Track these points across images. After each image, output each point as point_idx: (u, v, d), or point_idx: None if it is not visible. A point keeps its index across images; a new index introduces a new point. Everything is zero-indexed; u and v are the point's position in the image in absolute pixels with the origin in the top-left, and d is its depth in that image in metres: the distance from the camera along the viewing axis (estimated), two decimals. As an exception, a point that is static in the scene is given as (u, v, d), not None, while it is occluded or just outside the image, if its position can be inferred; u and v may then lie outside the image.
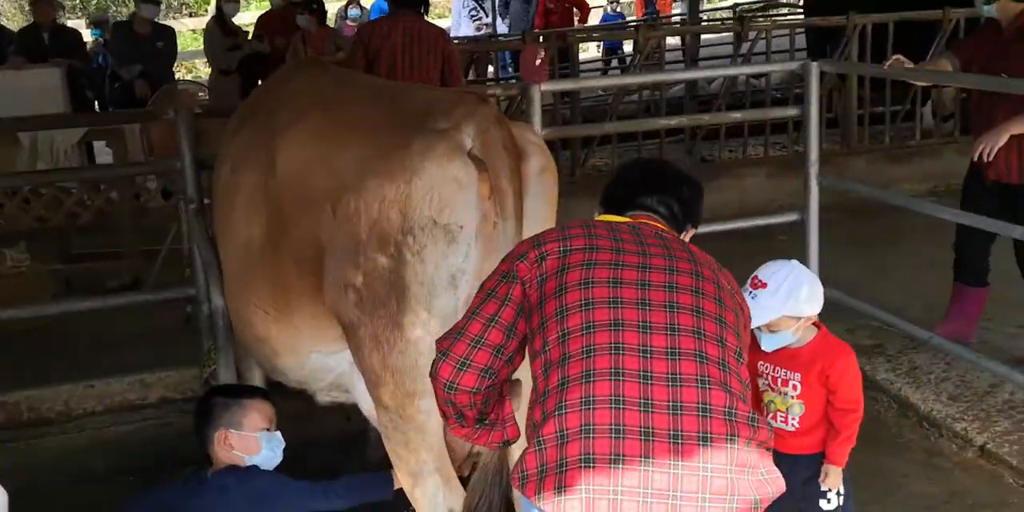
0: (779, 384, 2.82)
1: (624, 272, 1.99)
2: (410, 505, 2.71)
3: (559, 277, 2.00)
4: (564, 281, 1.99)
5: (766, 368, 2.82)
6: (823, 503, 2.90)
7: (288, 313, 2.84)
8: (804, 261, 4.41)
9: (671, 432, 1.85)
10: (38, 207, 6.22)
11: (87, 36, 10.73)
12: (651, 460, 1.83)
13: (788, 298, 2.62)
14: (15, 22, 15.65)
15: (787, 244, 4.55)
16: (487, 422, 2.16)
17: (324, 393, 3.10)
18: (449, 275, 2.46)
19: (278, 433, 2.85)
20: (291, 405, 3.14)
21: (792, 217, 4.54)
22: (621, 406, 1.86)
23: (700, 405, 1.87)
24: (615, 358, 1.90)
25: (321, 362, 2.90)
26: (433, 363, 2.08)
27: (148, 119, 6.10)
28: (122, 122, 6.61)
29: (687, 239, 2.26)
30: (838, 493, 2.81)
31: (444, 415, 2.17)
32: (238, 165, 3.08)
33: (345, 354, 2.81)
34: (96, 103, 8.95)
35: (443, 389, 2.05)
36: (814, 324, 2.80)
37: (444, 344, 2.07)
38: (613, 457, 1.84)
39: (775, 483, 1.90)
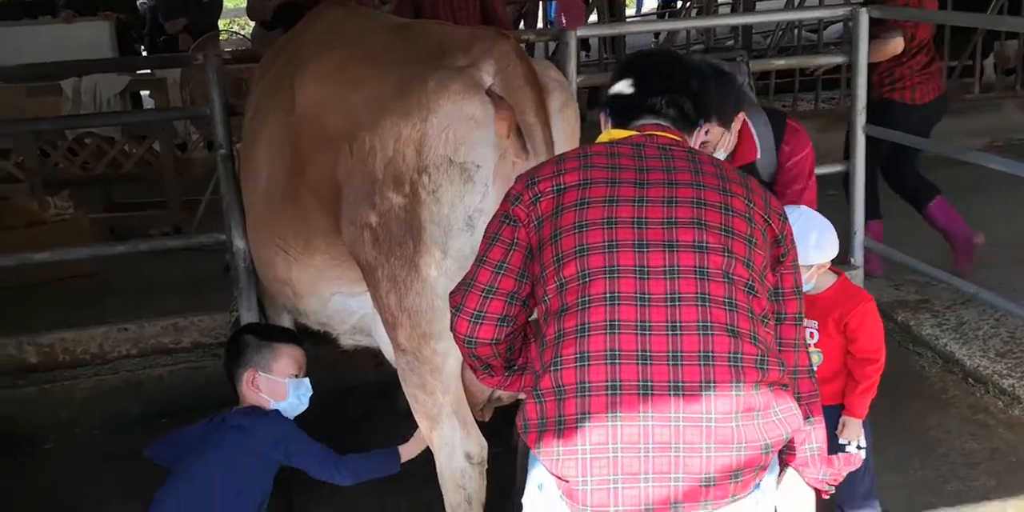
0: None
1: (619, 209, 1.87)
2: None
3: (554, 220, 1.91)
4: (559, 225, 1.90)
5: None
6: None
7: (309, 254, 2.81)
8: (850, 214, 4.32)
9: (671, 383, 1.77)
10: (82, 156, 6.28)
11: (135, -11, 10.74)
12: (650, 414, 1.76)
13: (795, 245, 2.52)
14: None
15: (838, 198, 4.40)
16: (516, 368, 2.10)
17: (347, 336, 3.08)
18: (466, 216, 2.40)
19: (306, 380, 2.84)
20: (324, 352, 3.13)
21: (838, 168, 4.38)
22: (618, 361, 1.78)
23: (701, 353, 1.78)
24: (611, 309, 1.81)
25: (343, 304, 2.88)
26: (451, 320, 2.03)
27: (178, 64, 6.09)
28: (154, 66, 6.61)
29: (707, 136, 2.13)
30: (858, 446, 2.72)
31: (471, 367, 2.13)
32: (262, 106, 3.07)
33: (367, 296, 2.77)
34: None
35: (463, 344, 2.01)
36: (834, 271, 2.69)
37: (456, 298, 2.00)
38: (610, 415, 1.76)
39: (789, 422, 1.82)
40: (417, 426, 2.73)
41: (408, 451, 2.79)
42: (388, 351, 2.83)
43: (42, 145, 6.21)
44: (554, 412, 1.81)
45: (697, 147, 2.09)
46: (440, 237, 2.41)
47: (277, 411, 2.81)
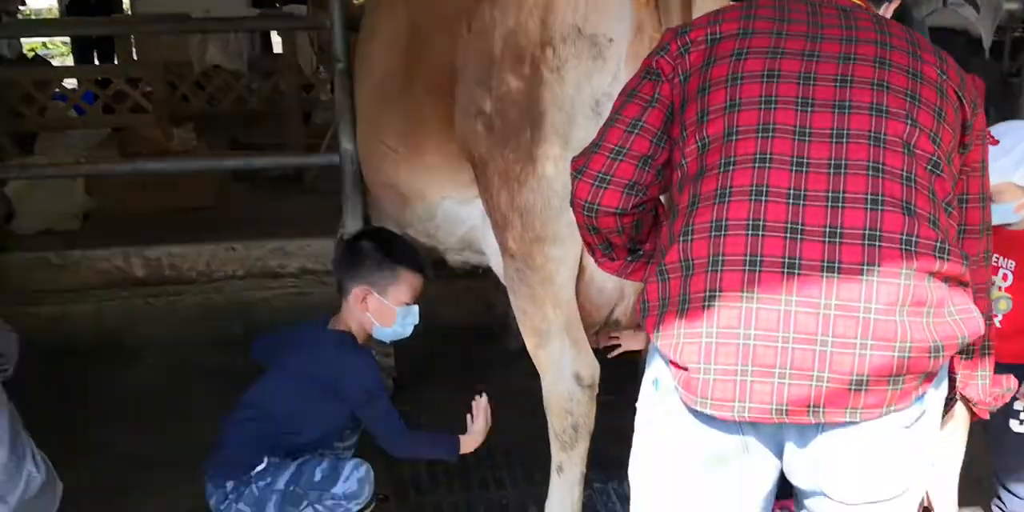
0: None
1: (783, 62, 1.55)
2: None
3: (703, 73, 1.60)
4: (708, 78, 1.59)
5: None
6: (1014, 423, 2.42)
7: (418, 152, 2.59)
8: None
9: (824, 263, 1.45)
10: (208, 90, 6.27)
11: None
12: (795, 298, 1.45)
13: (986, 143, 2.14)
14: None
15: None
16: (641, 253, 1.80)
17: (454, 252, 2.86)
18: (592, 99, 2.12)
19: (415, 309, 2.60)
20: (431, 288, 2.92)
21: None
22: (761, 232, 1.47)
23: (867, 231, 1.46)
24: (759, 172, 1.50)
25: (452, 211, 2.65)
26: (571, 185, 1.73)
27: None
28: None
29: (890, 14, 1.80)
30: None
31: (589, 247, 1.84)
32: (379, 2, 2.86)
33: (476, 205, 2.54)
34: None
35: (583, 212, 1.70)
36: None
37: (579, 161, 1.71)
38: (745, 294, 1.47)
39: (967, 325, 1.48)
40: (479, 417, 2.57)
41: (468, 444, 2.53)
42: (498, 264, 2.59)
43: (170, 77, 6.22)
44: (679, 289, 1.53)
45: None
46: (562, 124, 2.14)
47: (367, 351, 2.59)
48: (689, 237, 1.53)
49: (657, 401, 1.62)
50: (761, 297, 1.46)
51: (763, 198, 1.49)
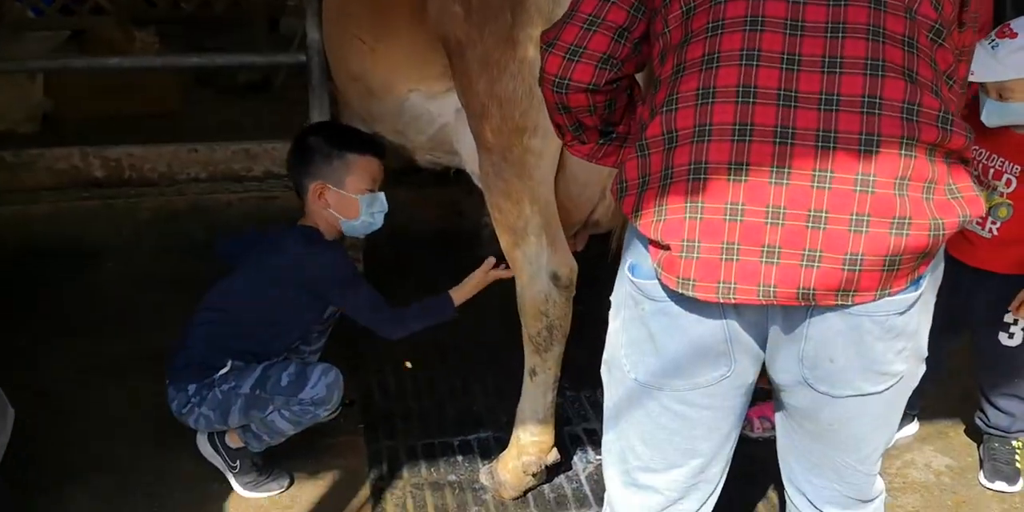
0: (988, 175, 2.25)
1: None
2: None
3: None
4: None
5: (977, 152, 2.24)
6: (1003, 337, 2.38)
7: (387, 40, 2.44)
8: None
9: (820, 132, 1.35)
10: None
11: None
12: (787, 169, 1.35)
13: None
14: None
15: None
16: (614, 136, 1.68)
17: (424, 151, 2.72)
18: (579, -23, 1.98)
19: (381, 196, 2.47)
20: (398, 194, 2.78)
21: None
22: (752, 100, 1.36)
23: (866, 98, 1.34)
24: (749, 36, 1.37)
25: (421, 106, 2.51)
26: (541, 58, 1.59)
27: None
28: None
29: None
30: None
31: (558, 129, 1.71)
32: None
33: (448, 101, 2.41)
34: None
35: (552, 88, 1.57)
36: None
37: (550, 34, 1.57)
38: (733, 165, 1.36)
39: (969, 204, 1.38)
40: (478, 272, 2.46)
41: (460, 294, 2.43)
42: (471, 167, 2.47)
43: (132, -23, 5.94)
44: (660, 164, 1.42)
45: None
46: (546, 3, 1.99)
47: (336, 243, 2.48)
48: (673, 106, 1.41)
49: (633, 289, 1.52)
50: (750, 169, 1.36)
51: (754, 63, 1.37)
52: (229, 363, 2.31)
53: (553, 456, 2.39)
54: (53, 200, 3.70)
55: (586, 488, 2.44)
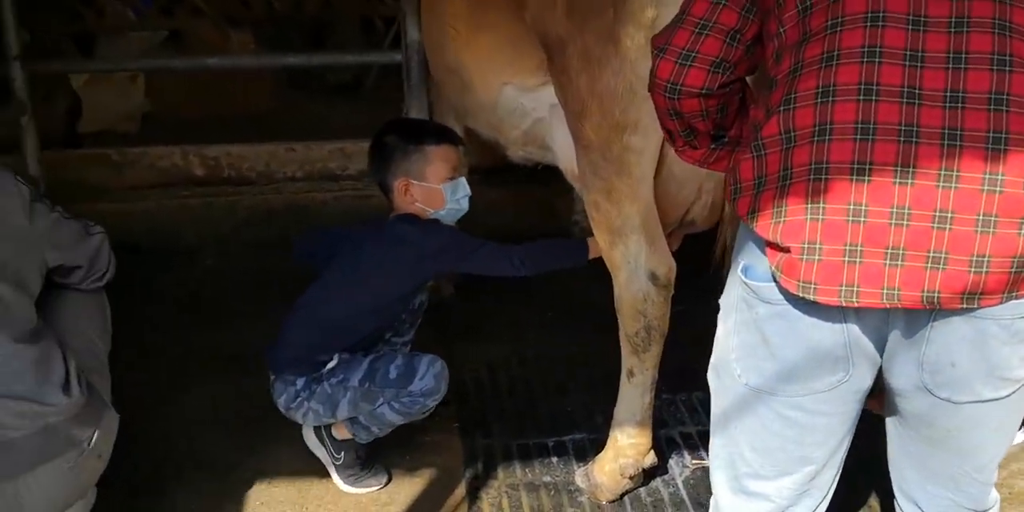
0: None
1: None
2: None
3: None
4: None
5: None
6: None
7: (483, 33, 2.44)
8: None
9: (945, 131, 1.30)
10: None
11: None
12: (912, 169, 1.30)
13: None
14: None
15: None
16: (726, 140, 1.65)
17: (517, 146, 2.72)
18: (685, -29, 1.93)
19: (462, 179, 2.49)
20: (492, 193, 2.76)
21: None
22: (874, 97, 1.32)
23: (993, 95, 1.29)
24: (870, 32, 1.33)
25: (515, 101, 2.50)
26: (652, 64, 1.56)
27: None
28: None
29: None
30: None
31: (669, 134, 1.68)
32: None
33: (543, 95, 2.40)
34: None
35: (664, 93, 1.54)
36: None
37: (660, 38, 1.54)
38: (856, 165, 1.32)
39: None
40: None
41: (595, 246, 2.37)
42: (565, 165, 2.45)
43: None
44: (778, 164, 1.39)
45: None
46: (649, 0, 1.96)
47: (436, 220, 2.49)
48: (791, 106, 1.38)
49: (746, 292, 1.48)
50: (873, 168, 1.31)
51: (876, 59, 1.33)
52: (336, 357, 2.33)
53: (651, 459, 2.36)
54: (155, 198, 3.79)
55: (683, 492, 2.39)
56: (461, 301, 3.38)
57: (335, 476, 2.41)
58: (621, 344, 2.29)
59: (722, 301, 1.59)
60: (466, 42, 2.50)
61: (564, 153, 2.42)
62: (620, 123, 2.09)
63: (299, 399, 2.32)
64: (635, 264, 2.20)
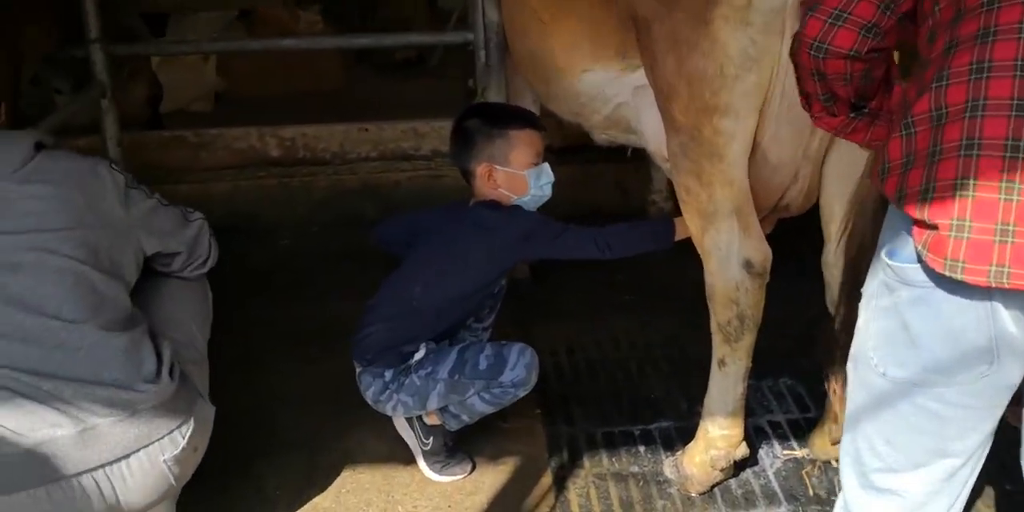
0: None
1: None
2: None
3: None
4: None
5: None
6: None
7: (564, 18, 2.38)
8: None
9: None
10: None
11: None
12: None
13: None
14: None
15: None
16: (866, 111, 1.58)
17: (600, 130, 2.66)
18: (781, -53, 1.84)
19: (546, 165, 2.43)
20: (563, 171, 2.72)
21: None
22: None
23: None
24: None
25: (597, 87, 2.44)
26: (800, 23, 1.49)
27: None
28: None
29: None
30: None
31: (807, 99, 1.61)
32: None
33: (625, 80, 2.35)
34: None
35: (809, 51, 1.48)
36: None
37: None
38: (1011, 142, 1.26)
39: None
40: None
41: (682, 227, 2.31)
42: (653, 147, 2.38)
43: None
44: (927, 141, 1.34)
45: None
46: (742, -21, 1.87)
47: (519, 207, 2.44)
48: (944, 82, 1.32)
49: (890, 275, 1.43)
50: None
51: None
52: (423, 347, 2.31)
53: (742, 451, 2.30)
54: (231, 179, 3.80)
55: (775, 484, 2.33)
56: (537, 283, 3.34)
57: (421, 462, 2.40)
58: (712, 332, 2.22)
59: (864, 290, 1.54)
60: (550, 29, 2.44)
61: (652, 135, 2.35)
62: (710, 105, 2.01)
63: (388, 391, 2.30)
64: (728, 251, 2.13)
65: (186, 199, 3.59)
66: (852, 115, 1.59)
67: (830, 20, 1.43)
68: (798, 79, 1.57)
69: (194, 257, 2.27)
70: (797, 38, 1.49)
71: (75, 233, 1.93)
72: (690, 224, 2.20)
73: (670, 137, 2.16)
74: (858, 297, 1.56)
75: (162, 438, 1.90)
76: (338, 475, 2.39)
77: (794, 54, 1.52)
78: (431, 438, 2.38)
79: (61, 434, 1.78)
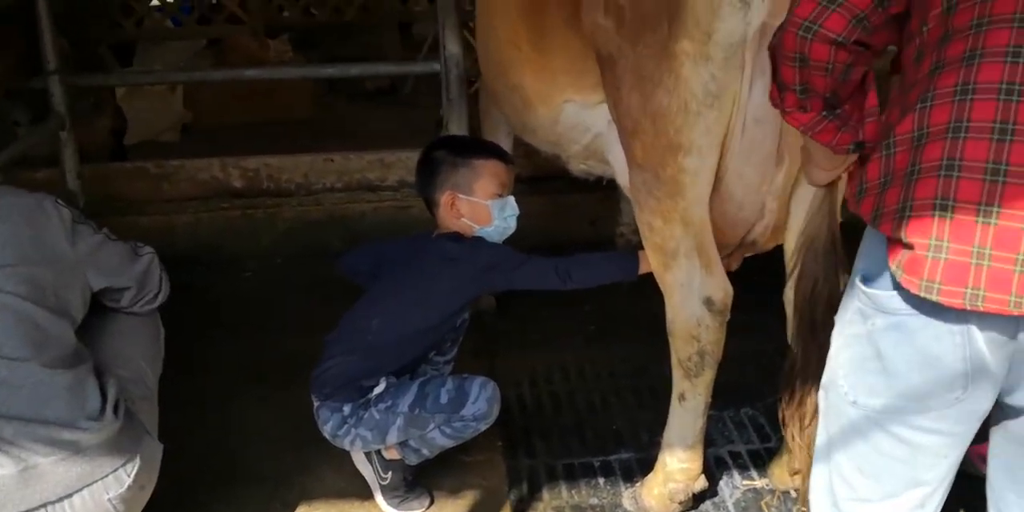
0: None
1: None
2: None
3: None
4: None
5: None
6: None
7: (543, 51, 2.39)
8: None
9: None
10: (304, 1, 6.10)
11: None
12: None
13: None
14: None
15: None
16: (838, 113, 1.58)
17: (578, 160, 2.66)
18: (743, -14, 1.88)
19: (511, 199, 2.44)
20: (533, 201, 2.74)
21: None
22: (1016, 98, 1.29)
23: None
24: (1018, 32, 1.29)
25: (576, 117, 2.44)
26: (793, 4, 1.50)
27: None
28: None
29: None
30: None
31: (781, 92, 1.58)
32: None
33: (603, 110, 2.34)
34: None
35: (797, 32, 1.46)
36: None
37: None
38: (991, 166, 1.28)
39: None
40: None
41: (645, 262, 2.30)
42: (622, 174, 2.39)
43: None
44: (906, 161, 1.35)
45: None
46: (705, 15, 1.89)
47: (481, 238, 2.44)
48: (928, 103, 1.34)
49: (864, 302, 1.43)
50: (1009, 170, 1.27)
51: (1021, 59, 1.28)
52: (383, 381, 2.28)
53: (701, 483, 2.30)
54: (194, 211, 3.78)
55: (735, 517, 2.34)
56: (501, 314, 3.34)
57: (379, 497, 2.38)
58: (673, 367, 2.23)
59: (838, 317, 1.55)
60: (529, 61, 2.45)
61: (621, 168, 2.35)
62: (674, 143, 2.03)
63: (346, 426, 2.28)
64: (689, 288, 2.14)
65: (148, 231, 3.59)
66: (824, 113, 1.58)
67: (824, 2, 1.43)
68: (774, 70, 1.56)
69: (144, 292, 2.24)
70: (785, 21, 1.48)
71: (19, 269, 1.90)
72: (652, 260, 2.21)
73: (633, 173, 2.18)
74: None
75: (106, 476, 1.86)
76: (295, 510, 2.36)
77: (777, 39, 1.51)
78: (390, 473, 2.35)
79: (2, 474, 1.75)
